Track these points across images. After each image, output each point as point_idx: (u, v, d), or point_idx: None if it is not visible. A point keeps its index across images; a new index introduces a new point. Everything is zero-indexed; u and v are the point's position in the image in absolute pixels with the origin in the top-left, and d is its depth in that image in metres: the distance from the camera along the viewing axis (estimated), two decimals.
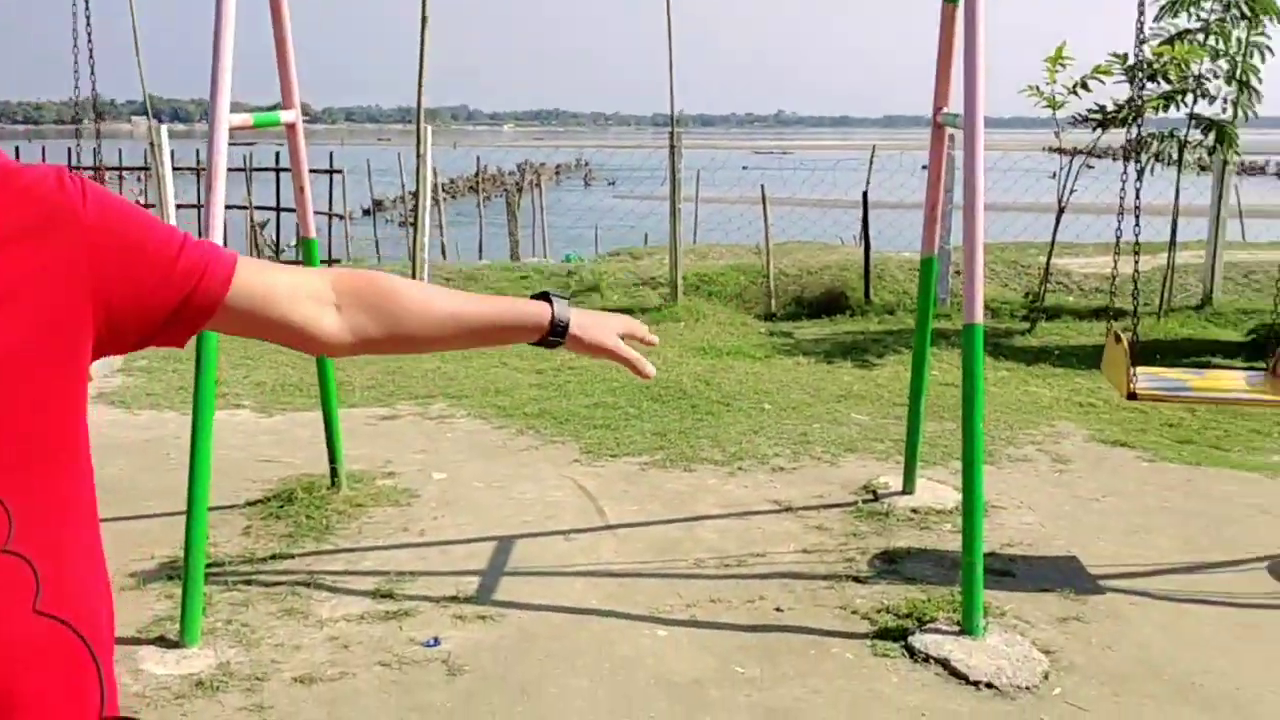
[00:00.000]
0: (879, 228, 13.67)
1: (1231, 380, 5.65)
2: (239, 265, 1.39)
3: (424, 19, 11.59)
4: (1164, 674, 4.12)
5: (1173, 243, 11.37)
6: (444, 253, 19.20)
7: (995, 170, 17.29)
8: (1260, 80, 10.48)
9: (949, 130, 5.65)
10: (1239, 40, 10.33)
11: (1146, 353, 9.20)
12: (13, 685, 1.18)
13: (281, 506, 5.75)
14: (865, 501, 5.93)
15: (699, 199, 20.91)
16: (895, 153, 20.23)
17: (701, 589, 4.81)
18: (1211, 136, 10.58)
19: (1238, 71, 10.37)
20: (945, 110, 5.44)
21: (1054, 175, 11.40)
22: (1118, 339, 5.28)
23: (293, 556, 5.14)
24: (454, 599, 4.66)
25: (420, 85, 11.79)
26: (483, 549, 5.23)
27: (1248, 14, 10.24)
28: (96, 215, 1.26)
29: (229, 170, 4.79)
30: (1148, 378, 5.29)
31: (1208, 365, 9.11)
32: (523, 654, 4.20)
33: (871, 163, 18.92)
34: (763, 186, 13.54)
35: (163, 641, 4.28)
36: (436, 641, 4.28)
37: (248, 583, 4.84)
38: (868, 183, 16.29)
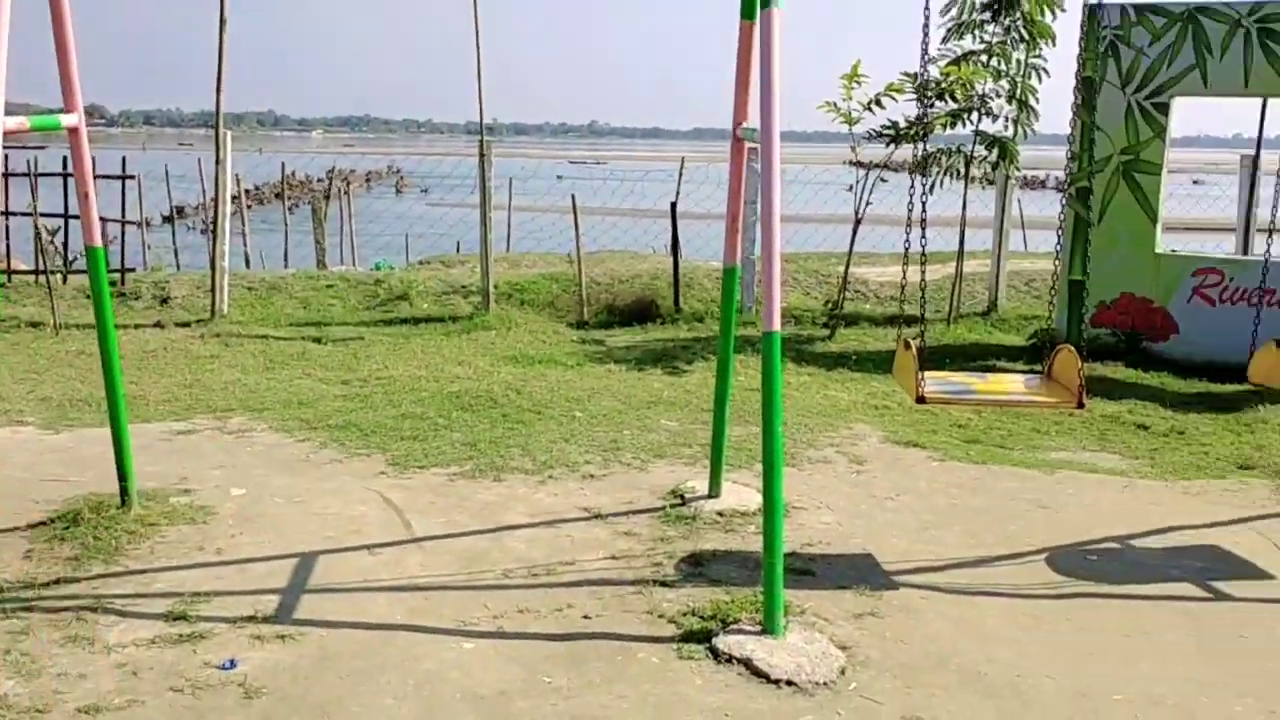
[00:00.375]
0: (688, 237, 13.92)
1: (1011, 383, 5.99)
2: None
3: (222, 20, 11.22)
4: (952, 664, 4.33)
5: (961, 253, 11.99)
6: (247, 261, 18.57)
7: (798, 183, 17.91)
8: (1038, 100, 11.16)
9: (748, 144, 5.80)
10: (1019, 62, 10.99)
11: (937, 357, 9.69)
12: None
13: (67, 528, 5.45)
14: (673, 506, 6.03)
15: (512, 207, 20.86)
16: (703, 165, 20.65)
17: (509, 599, 4.79)
18: (995, 152, 11.21)
19: (1018, 91, 11.02)
20: (744, 125, 5.59)
21: (851, 188, 11.85)
22: (907, 346, 5.54)
23: (78, 580, 4.88)
24: (252, 619, 4.51)
25: (219, 89, 11.40)
26: (283, 566, 5.08)
27: (1026, 38, 10.91)
28: None
29: (12, 175, 4.53)
30: (935, 382, 5.56)
31: (992, 369, 9.63)
32: (323, 673, 4.10)
33: (681, 174, 19.29)
34: (573, 196, 13.60)
35: None
36: (233, 664, 4.14)
37: (28, 609, 4.56)
38: (677, 194, 16.58)
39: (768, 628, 4.46)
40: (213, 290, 11.55)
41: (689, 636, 4.47)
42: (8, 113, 4.36)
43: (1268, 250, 6.25)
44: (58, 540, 5.33)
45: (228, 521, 5.64)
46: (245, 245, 19.80)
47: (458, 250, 19.30)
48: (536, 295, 12.67)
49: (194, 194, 27.86)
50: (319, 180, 42.33)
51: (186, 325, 11.17)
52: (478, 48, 12.03)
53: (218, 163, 11.53)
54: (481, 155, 11.95)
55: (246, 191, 23.46)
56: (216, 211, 11.64)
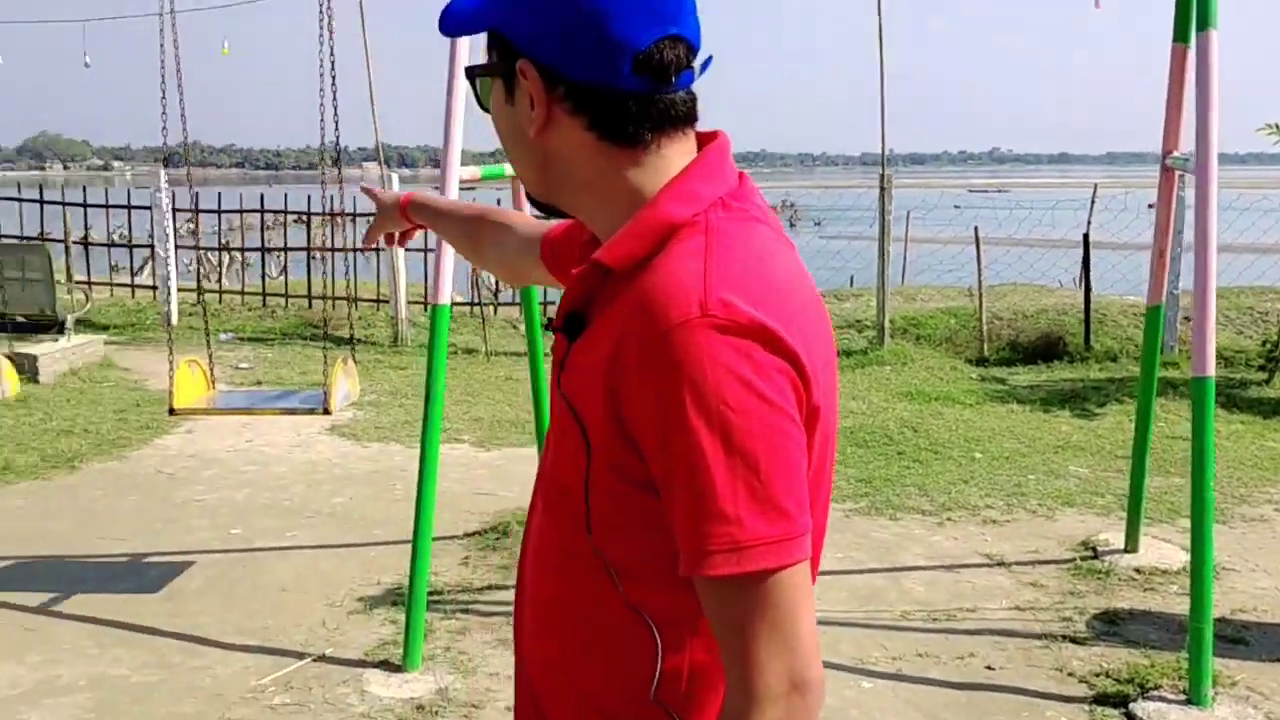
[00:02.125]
0: (1100, 270, 13.15)
1: None
2: None
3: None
4: None
5: None
6: None
7: (1231, 210, 16.38)
8: None
9: (1178, 173, 5.43)
10: None
11: None
12: None
13: (498, 539, 5.97)
14: (1084, 559, 5.71)
15: (909, 239, 20.56)
16: (1120, 192, 19.41)
17: (907, 642, 4.72)
18: None
19: None
20: (1174, 154, 5.24)
21: None
22: None
23: (508, 588, 5.31)
24: None
25: None
26: None
27: None
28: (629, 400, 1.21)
29: None
30: None
31: None
32: None
33: (1093, 202, 18.24)
34: (976, 228, 13.22)
35: (386, 665, 4.50)
36: None
37: (465, 611, 5.04)
38: (1089, 223, 15.68)
39: (1193, 698, 4.12)
40: None
41: (1102, 699, 4.21)
42: (464, 164, 4.89)
43: None
44: (490, 549, 5.86)
45: None
46: None
47: (851, 284, 19.27)
48: (933, 330, 12.42)
49: None
50: None
51: None
52: (882, 77, 12.03)
53: None
54: (882, 189, 11.89)
55: None
56: None
